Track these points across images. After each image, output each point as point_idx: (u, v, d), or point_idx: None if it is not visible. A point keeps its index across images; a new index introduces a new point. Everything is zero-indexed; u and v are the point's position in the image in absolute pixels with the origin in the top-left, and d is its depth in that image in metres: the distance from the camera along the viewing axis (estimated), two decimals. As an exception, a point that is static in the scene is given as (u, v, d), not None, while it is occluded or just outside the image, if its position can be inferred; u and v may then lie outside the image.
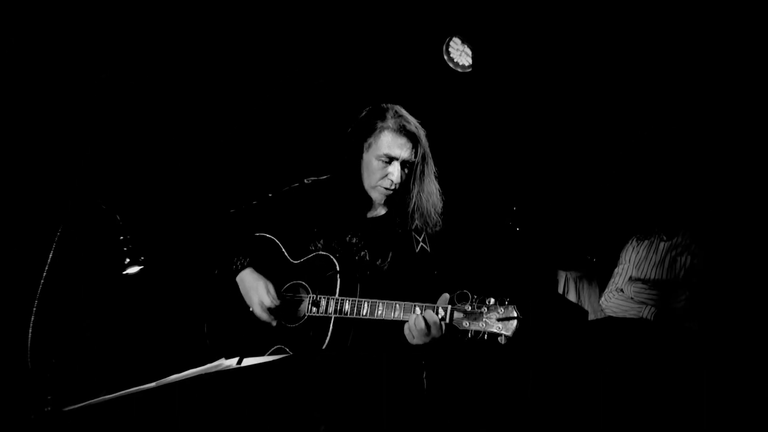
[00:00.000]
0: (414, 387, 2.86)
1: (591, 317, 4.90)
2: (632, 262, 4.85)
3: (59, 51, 3.71)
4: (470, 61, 5.34)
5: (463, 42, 5.37)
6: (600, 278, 5.23)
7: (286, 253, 2.92)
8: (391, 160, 2.81)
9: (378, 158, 2.80)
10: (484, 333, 2.53)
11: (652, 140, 5.43)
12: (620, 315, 4.78)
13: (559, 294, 5.03)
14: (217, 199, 3.65)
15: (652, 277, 4.76)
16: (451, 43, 5.36)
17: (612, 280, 4.92)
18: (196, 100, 4.30)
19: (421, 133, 2.84)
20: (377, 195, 2.87)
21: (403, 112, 2.88)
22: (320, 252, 2.83)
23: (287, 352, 2.74)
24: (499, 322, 2.51)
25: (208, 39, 4.30)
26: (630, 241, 4.91)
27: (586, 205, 5.58)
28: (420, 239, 2.87)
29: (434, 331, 2.59)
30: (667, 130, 5.39)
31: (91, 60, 3.86)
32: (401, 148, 2.81)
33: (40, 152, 3.18)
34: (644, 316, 4.70)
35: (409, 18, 5.06)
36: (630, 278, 4.81)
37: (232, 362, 2.35)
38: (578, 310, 4.70)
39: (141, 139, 3.97)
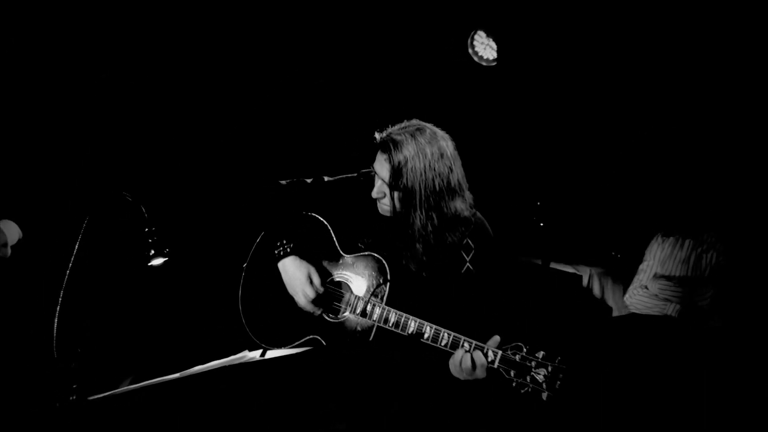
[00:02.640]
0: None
1: (615, 314, 4.87)
2: (657, 259, 4.81)
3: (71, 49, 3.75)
4: (495, 54, 5.30)
5: (488, 35, 5.33)
6: (624, 275, 5.19)
7: (336, 243, 2.87)
8: (376, 174, 2.74)
9: None
10: (529, 387, 2.50)
11: (678, 137, 5.37)
12: (644, 312, 4.75)
13: (587, 292, 4.98)
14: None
15: (677, 274, 4.72)
16: (476, 37, 5.32)
17: (636, 276, 4.88)
18: (253, 85, 4.29)
19: (412, 163, 2.63)
20: (379, 209, 2.81)
21: (401, 133, 2.70)
22: (373, 253, 2.78)
23: (322, 344, 2.72)
24: (545, 380, 2.49)
25: (254, 28, 4.30)
26: (655, 238, 4.87)
27: (611, 201, 5.53)
28: (468, 258, 2.81)
29: (479, 373, 2.55)
30: (693, 126, 5.33)
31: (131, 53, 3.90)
32: (380, 168, 2.71)
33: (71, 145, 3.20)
34: (668, 314, 4.67)
35: (433, 12, 5.03)
36: (655, 275, 4.77)
37: (256, 354, 2.36)
38: (602, 307, 4.66)
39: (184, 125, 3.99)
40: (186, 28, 4.20)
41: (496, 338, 2.59)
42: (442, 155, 2.67)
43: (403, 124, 2.74)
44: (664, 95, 5.34)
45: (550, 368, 2.49)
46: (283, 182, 2.93)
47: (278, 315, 2.82)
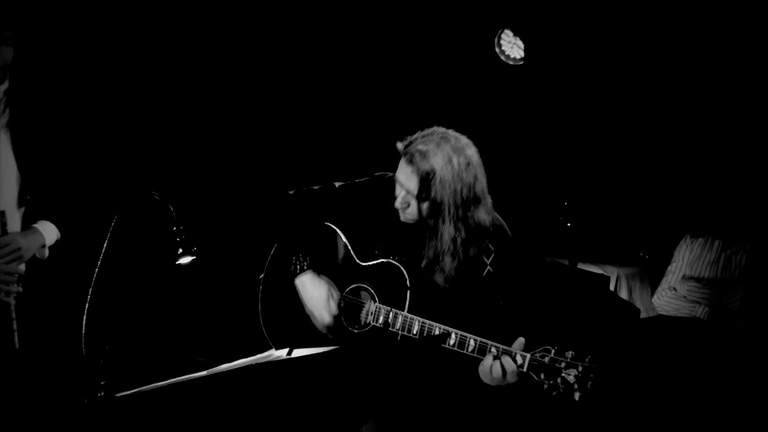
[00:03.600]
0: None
1: (642, 315, 4.83)
2: (686, 260, 4.76)
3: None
4: (522, 53, 5.28)
5: (515, 34, 5.31)
6: (653, 276, 5.15)
7: (352, 252, 2.83)
8: (399, 183, 2.67)
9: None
10: (560, 388, 2.48)
11: (707, 137, 5.32)
12: (672, 314, 4.71)
13: (611, 293, 4.95)
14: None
15: (706, 275, 4.68)
16: (503, 36, 5.31)
17: (665, 278, 4.84)
18: (263, 85, 4.31)
19: (441, 174, 2.55)
20: (401, 217, 2.74)
21: (429, 145, 2.60)
22: (391, 260, 2.75)
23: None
24: (576, 380, 2.46)
25: (274, 27, 4.31)
26: (684, 239, 4.83)
27: (639, 201, 5.49)
28: (488, 262, 2.77)
29: (510, 378, 2.50)
30: (723, 126, 5.28)
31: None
32: (406, 178, 2.63)
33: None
34: (697, 316, 4.63)
35: (460, 11, 5.02)
36: (683, 277, 4.73)
37: (282, 353, 2.36)
38: (630, 309, 4.62)
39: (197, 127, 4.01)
40: (205, 34, 4.23)
41: (521, 340, 2.55)
42: (468, 164, 2.60)
43: (425, 133, 2.65)
44: (693, 94, 5.29)
45: (580, 368, 2.45)
46: (292, 192, 2.91)
47: (299, 328, 2.81)
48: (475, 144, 2.71)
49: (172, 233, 2.38)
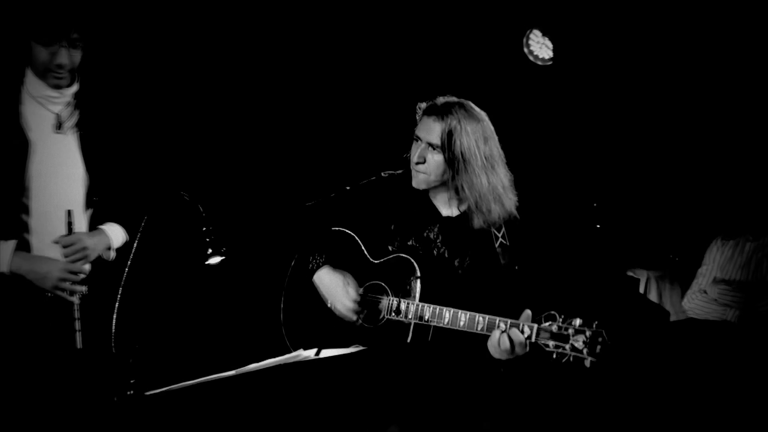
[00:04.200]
0: (491, 389, 2.83)
1: (672, 318, 4.79)
2: (717, 262, 4.71)
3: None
4: (551, 53, 5.25)
5: (544, 34, 5.28)
6: (683, 279, 5.10)
7: (365, 251, 2.89)
8: (418, 140, 2.80)
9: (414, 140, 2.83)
10: (570, 356, 2.48)
11: (738, 139, 5.26)
12: (702, 317, 4.66)
13: (641, 296, 4.92)
14: (294, 192, 3.68)
15: (737, 278, 4.63)
16: (531, 36, 5.28)
17: (695, 280, 4.79)
18: (270, 92, 4.34)
19: (459, 117, 2.73)
20: (413, 180, 2.85)
21: (451, 100, 2.81)
22: (400, 254, 2.80)
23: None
24: (585, 346, 2.46)
25: (277, 35, 4.35)
26: (714, 241, 4.77)
27: (670, 203, 5.44)
28: (499, 235, 2.82)
29: (518, 350, 2.54)
30: (754, 128, 5.22)
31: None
32: (428, 131, 2.77)
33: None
34: (728, 319, 4.58)
35: (488, 10, 5.00)
36: (714, 279, 4.68)
37: (311, 353, 2.37)
38: (659, 312, 4.59)
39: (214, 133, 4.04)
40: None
41: (528, 312, 2.58)
42: (484, 129, 2.75)
43: (445, 97, 2.82)
44: (724, 94, 5.24)
45: (588, 333, 2.46)
46: (309, 204, 3.00)
47: (320, 332, 2.86)
48: (503, 145, 2.79)
49: (202, 234, 2.39)
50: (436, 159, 2.75)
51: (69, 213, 2.81)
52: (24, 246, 2.79)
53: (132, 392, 2.40)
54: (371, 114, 4.53)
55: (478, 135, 2.71)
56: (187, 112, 4.04)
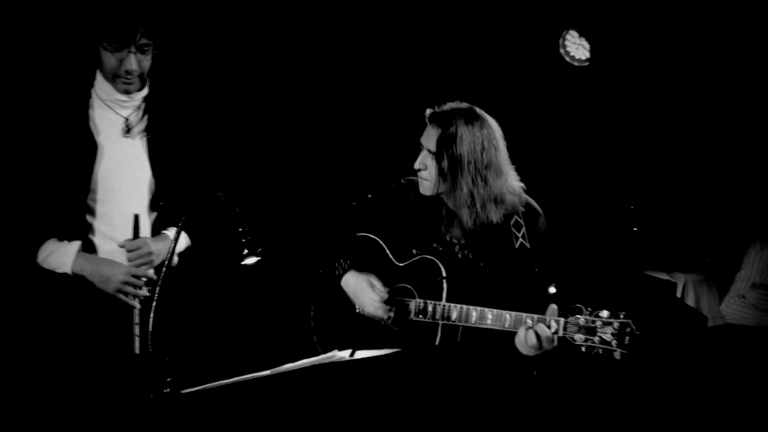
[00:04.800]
0: (523, 390, 2.83)
1: (710, 323, 4.73)
2: (756, 267, 4.64)
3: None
4: (588, 54, 5.21)
5: (580, 35, 5.24)
6: (721, 283, 5.04)
7: (390, 255, 2.94)
8: (421, 147, 2.87)
9: None
10: (598, 348, 2.47)
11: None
12: (740, 322, 4.60)
13: (678, 300, 4.87)
14: (318, 198, 3.72)
15: (776, 284, 4.57)
16: (568, 36, 5.25)
17: (734, 285, 4.72)
18: (293, 98, 4.38)
19: (461, 132, 2.75)
20: (420, 187, 2.90)
21: (455, 106, 2.85)
22: (425, 255, 2.82)
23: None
24: (614, 338, 2.45)
25: (300, 39, 4.38)
26: (753, 246, 4.71)
27: (708, 206, 5.37)
28: (519, 235, 2.82)
29: (546, 345, 2.55)
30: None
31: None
32: (427, 138, 2.83)
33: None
34: (766, 325, 4.51)
35: (524, 11, 4.98)
36: (753, 284, 4.61)
37: (345, 354, 2.38)
38: (697, 316, 4.54)
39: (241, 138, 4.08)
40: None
41: (554, 307, 2.59)
42: (489, 134, 2.77)
43: (453, 103, 2.85)
44: (765, 97, 5.16)
45: (616, 325, 2.46)
46: (335, 211, 3.07)
47: (350, 337, 2.90)
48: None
49: (238, 234, 2.41)
50: (439, 166, 2.77)
51: (136, 217, 2.82)
52: (89, 248, 2.82)
53: (168, 390, 2.42)
54: (405, 119, 4.54)
55: (477, 141, 2.73)
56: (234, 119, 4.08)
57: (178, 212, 2.74)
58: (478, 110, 2.83)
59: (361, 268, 2.91)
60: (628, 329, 2.45)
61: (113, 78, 2.81)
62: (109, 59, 2.77)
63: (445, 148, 2.74)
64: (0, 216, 2.80)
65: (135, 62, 2.77)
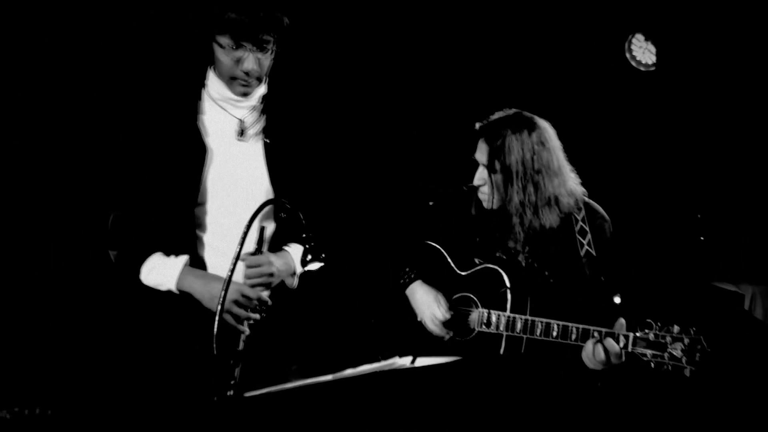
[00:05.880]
0: (588, 403, 2.79)
1: (779, 337, 4.59)
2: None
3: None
4: (654, 59, 5.12)
5: (647, 39, 5.15)
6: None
7: (452, 264, 2.92)
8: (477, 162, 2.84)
9: None
10: (668, 364, 2.41)
11: None
12: (811, 336, 4.46)
13: (746, 313, 4.74)
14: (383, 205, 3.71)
15: None
16: (634, 41, 5.17)
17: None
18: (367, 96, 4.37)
19: (509, 142, 2.74)
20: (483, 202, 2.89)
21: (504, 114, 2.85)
22: (488, 265, 2.80)
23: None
24: (684, 354, 2.38)
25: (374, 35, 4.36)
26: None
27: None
28: (584, 242, 2.78)
29: (614, 360, 2.51)
30: None
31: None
32: (480, 153, 2.81)
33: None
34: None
35: (590, 15, 4.92)
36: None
37: (406, 361, 2.37)
38: (765, 329, 4.41)
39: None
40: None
41: (622, 321, 2.56)
42: (540, 137, 2.75)
43: (501, 112, 2.84)
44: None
45: (686, 341, 2.40)
46: (397, 219, 3.09)
47: (412, 344, 2.90)
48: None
49: (302, 240, 2.39)
50: (491, 179, 2.75)
51: (262, 230, 2.56)
52: (197, 263, 2.56)
53: (232, 393, 2.44)
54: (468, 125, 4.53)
55: (526, 148, 2.72)
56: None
57: (300, 225, 2.44)
58: (526, 114, 2.81)
59: (425, 277, 2.90)
60: (698, 346, 2.39)
61: (229, 79, 2.53)
62: (225, 57, 2.49)
63: (496, 161, 2.75)
64: (99, 227, 2.63)
65: (254, 61, 2.48)
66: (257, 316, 2.54)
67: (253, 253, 2.54)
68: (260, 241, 2.55)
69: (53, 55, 3.53)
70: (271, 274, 2.56)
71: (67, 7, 3.50)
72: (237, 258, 2.25)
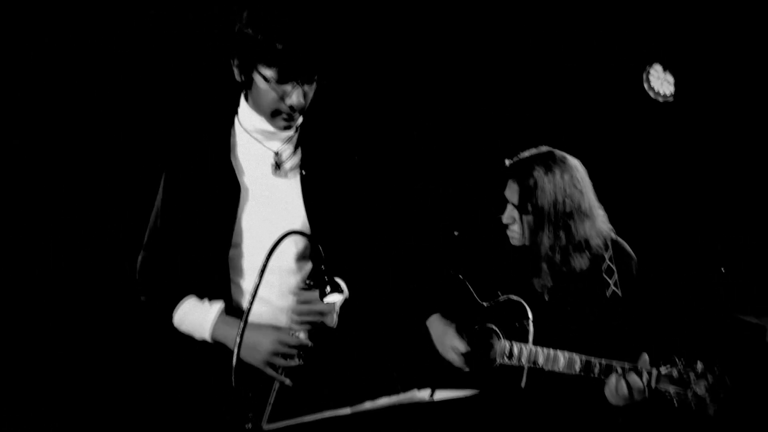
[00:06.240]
0: None
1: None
2: None
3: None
4: (672, 89, 5.12)
5: (665, 69, 5.16)
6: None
7: (475, 295, 2.91)
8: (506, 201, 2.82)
9: None
10: (692, 402, 2.38)
11: None
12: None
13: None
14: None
15: None
16: (652, 71, 5.17)
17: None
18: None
19: (541, 183, 2.71)
20: (510, 240, 2.87)
21: (533, 153, 2.81)
22: (511, 296, 2.79)
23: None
24: (707, 392, 2.36)
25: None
26: None
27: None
28: (611, 282, 2.76)
29: (637, 396, 2.48)
30: None
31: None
32: (511, 192, 2.78)
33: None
34: None
35: (607, 45, 4.94)
36: None
37: (425, 394, 2.36)
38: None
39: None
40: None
41: (645, 357, 2.53)
42: (572, 178, 2.71)
43: (532, 150, 2.80)
44: None
45: (710, 379, 2.36)
46: (419, 249, 3.07)
47: (432, 374, 2.87)
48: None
49: (322, 272, 2.37)
50: (522, 219, 2.73)
51: (320, 270, 2.28)
52: (232, 310, 2.40)
53: (250, 426, 2.44)
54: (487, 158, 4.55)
55: (559, 190, 2.69)
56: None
57: (339, 264, 2.36)
58: (558, 153, 2.77)
59: (446, 308, 2.90)
60: (723, 384, 2.36)
61: (271, 114, 2.31)
62: (268, 91, 2.23)
63: (528, 201, 2.72)
64: (127, 269, 2.53)
65: (301, 95, 2.24)
66: (298, 361, 2.41)
67: (305, 289, 2.38)
68: (316, 276, 2.31)
69: (66, 60, 3.51)
70: (321, 312, 2.42)
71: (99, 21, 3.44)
72: (255, 292, 2.10)
